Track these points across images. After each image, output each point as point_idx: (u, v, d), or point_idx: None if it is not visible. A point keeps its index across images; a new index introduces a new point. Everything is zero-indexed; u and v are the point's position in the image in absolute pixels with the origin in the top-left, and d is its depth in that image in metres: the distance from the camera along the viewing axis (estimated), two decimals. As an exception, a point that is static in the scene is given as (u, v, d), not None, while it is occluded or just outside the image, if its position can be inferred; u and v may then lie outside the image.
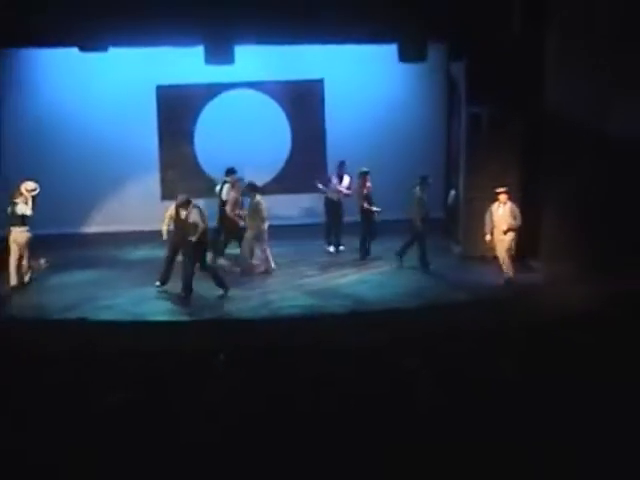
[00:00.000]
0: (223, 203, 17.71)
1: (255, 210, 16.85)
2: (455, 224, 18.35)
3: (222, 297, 15.62)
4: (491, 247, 16.32)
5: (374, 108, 20.11)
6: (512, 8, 16.64)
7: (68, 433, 7.99)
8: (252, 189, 17.10)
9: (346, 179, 18.20)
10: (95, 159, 19.34)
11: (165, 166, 20.35)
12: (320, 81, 20.45)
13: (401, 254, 17.34)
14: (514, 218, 15.94)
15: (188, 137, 20.42)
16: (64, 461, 7.46)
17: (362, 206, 17.72)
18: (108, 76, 19.44)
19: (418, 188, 17.06)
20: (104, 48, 16.44)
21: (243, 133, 19.93)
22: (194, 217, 15.38)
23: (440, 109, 20.21)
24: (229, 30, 15.91)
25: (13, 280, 16.00)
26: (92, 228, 19.82)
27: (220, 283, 15.72)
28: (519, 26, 16.71)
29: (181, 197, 15.79)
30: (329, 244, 18.54)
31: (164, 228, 15.75)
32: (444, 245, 18.42)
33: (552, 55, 16.56)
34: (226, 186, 17.73)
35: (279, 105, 20.50)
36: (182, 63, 18.71)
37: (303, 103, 20.53)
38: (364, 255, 17.95)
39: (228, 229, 17.63)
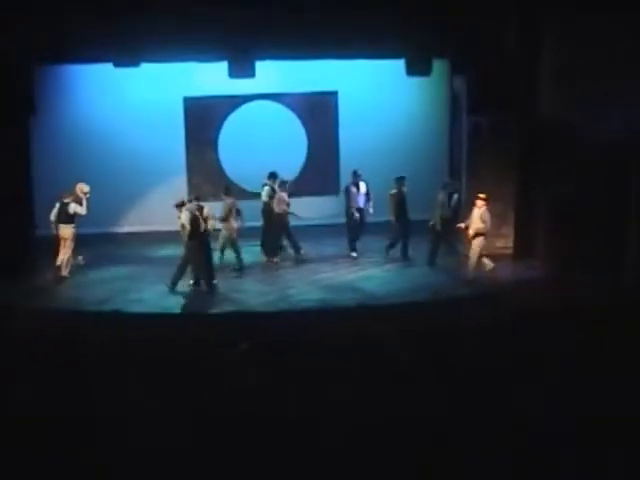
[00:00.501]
0: (265, 204, 18.38)
1: (229, 211, 17.36)
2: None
3: (205, 292, 16.18)
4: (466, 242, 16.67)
5: (383, 118, 20.53)
6: (508, 27, 17.11)
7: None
8: (226, 191, 17.61)
9: (362, 186, 18.32)
10: (127, 165, 19.90)
11: (191, 171, 20.89)
12: (334, 93, 20.96)
13: (431, 261, 17.74)
14: (482, 222, 16.14)
15: (212, 144, 20.97)
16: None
17: (399, 210, 17.99)
18: (139, 89, 20.03)
19: (441, 192, 17.57)
20: (136, 63, 17.09)
21: (263, 141, 20.49)
22: (183, 219, 15.97)
23: (443, 118, 20.64)
24: (251, 46, 16.63)
25: (64, 271, 17.03)
26: (124, 228, 20.30)
27: (207, 283, 16.29)
28: (515, 42, 17.13)
29: (177, 200, 16.34)
30: (353, 250, 18.62)
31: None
32: (448, 244, 18.31)
33: (546, 68, 16.99)
34: (266, 188, 18.33)
35: (296, 115, 21.04)
36: (207, 77, 19.46)
37: (318, 113, 21.05)
38: (405, 255, 18.22)
39: (276, 225, 18.23)
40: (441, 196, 17.56)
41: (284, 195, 18.12)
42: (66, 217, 16.91)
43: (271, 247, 18.43)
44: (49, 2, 15.99)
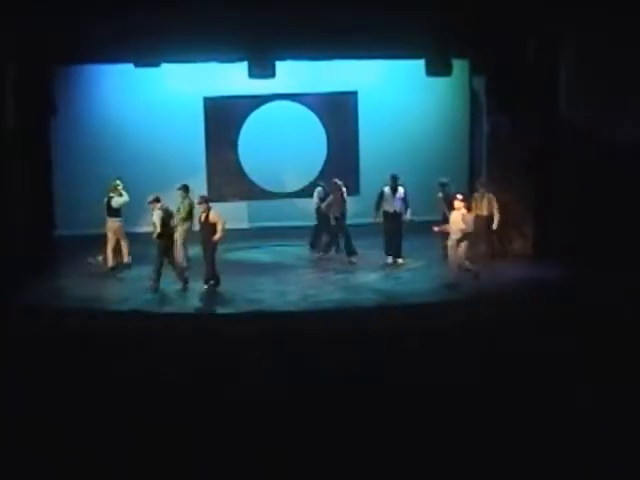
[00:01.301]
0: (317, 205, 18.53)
1: (187, 212, 17.33)
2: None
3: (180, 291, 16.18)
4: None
5: (403, 118, 20.58)
6: (529, 28, 17.10)
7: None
8: (184, 190, 17.37)
9: (400, 190, 17.75)
10: (147, 165, 19.88)
11: (211, 171, 20.93)
12: (354, 93, 21.00)
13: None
14: (465, 224, 15.81)
15: (233, 145, 21.02)
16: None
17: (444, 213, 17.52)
18: (160, 89, 20.20)
19: (440, 192, 17.54)
20: (157, 63, 17.28)
21: (283, 141, 20.56)
22: (154, 217, 16.12)
23: (463, 119, 20.71)
24: (271, 47, 16.66)
25: (110, 262, 17.51)
26: (144, 228, 19.41)
27: (181, 278, 16.30)
28: (535, 43, 17.21)
29: (150, 196, 16.41)
30: (388, 255, 18.08)
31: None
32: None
33: (566, 69, 17.02)
34: (318, 189, 18.60)
35: (316, 115, 21.09)
36: (227, 77, 19.47)
37: (338, 113, 21.09)
38: None
39: (333, 227, 18.22)
40: (440, 195, 17.46)
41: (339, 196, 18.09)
42: (112, 211, 17.46)
43: (349, 249, 18.32)
44: (70, 3, 15.96)
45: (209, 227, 16.05)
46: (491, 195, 17.44)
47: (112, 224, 17.46)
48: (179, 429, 8.14)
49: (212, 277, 16.29)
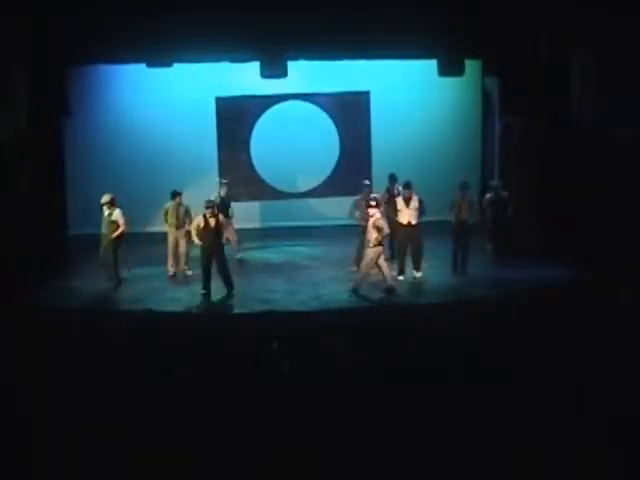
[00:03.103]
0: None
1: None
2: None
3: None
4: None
5: (416, 118, 20.60)
6: (541, 28, 17.19)
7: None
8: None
9: (414, 200, 16.76)
10: (159, 165, 20.09)
11: (223, 171, 20.76)
12: (366, 93, 20.98)
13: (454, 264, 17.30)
14: (378, 231, 15.22)
15: (245, 144, 21.11)
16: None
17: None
18: (172, 89, 20.26)
19: (458, 193, 17.33)
20: (169, 63, 17.43)
21: (295, 141, 20.62)
22: (116, 215, 16.21)
23: (475, 119, 20.71)
24: (283, 46, 16.78)
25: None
26: (156, 227, 19.85)
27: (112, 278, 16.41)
28: (547, 44, 17.25)
29: (105, 197, 16.24)
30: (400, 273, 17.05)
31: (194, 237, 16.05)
32: (479, 244, 18.29)
33: (579, 69, 17.04)
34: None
35: (328, 115, 21.11)
36: (239, 77, 19.57)
37: (350, 113, 21.09)
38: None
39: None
40: (457, 196, 17.09)
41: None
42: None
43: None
44: (82, 2, 16.12)
45: (215, 231, 15.97)
46: (473, 198, 17.46)
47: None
48: (194, 430, 8.17)
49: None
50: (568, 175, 17.47)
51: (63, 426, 8.32)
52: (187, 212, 17.44)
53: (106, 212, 16.38)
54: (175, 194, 17.47)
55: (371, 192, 17.24)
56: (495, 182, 18.08)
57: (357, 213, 17.18)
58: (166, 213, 17.60)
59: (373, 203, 15.47)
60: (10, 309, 13.60)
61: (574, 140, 17.30)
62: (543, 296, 14.75)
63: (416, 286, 16.52)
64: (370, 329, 12.28)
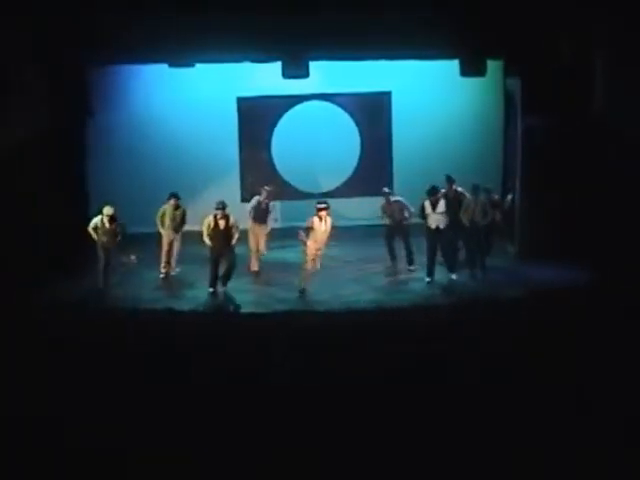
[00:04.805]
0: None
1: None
2: (511, 227, 18.57)
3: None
4: (312, 259, 16.25)
5: (437, 118, 20.53)
6: (563, 28, 16.99)
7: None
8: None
9: (441, 204, 16.94)
10: (180, 165, 20.11)
11: (244, 171, 21.03)
12: (388, 93, 20.94)
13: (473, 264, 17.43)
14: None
15: (266, 144, 21.12)
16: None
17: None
18: (194, 89, 20.29)
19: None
20: (191, 64, 17.54)
21: (316, 141, 20.65)
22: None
23: (497, 119, 20.60)
24: (305, 47, 16.75)
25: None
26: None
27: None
28: (569, 45, 17.10)
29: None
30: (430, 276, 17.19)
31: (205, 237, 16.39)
32: (501, 246, 18.72)
33: (601, 71, 16.96)
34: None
35: (349, 116, 21.06)
36: (261, 77, 19.51)
37: (372, 114, 21.05)
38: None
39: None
40: (469, 199, 17.18)
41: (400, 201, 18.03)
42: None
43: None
44: (104, 3, 16.18)
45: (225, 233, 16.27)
46: (485, 201, 17.36)
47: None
48: (206, 429, 8.18)
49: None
50: (591, 176, 17.34)
51: (83, 425, 8.29)
52: (184, 215, 17.58)
53: (107, 224, 16.48)
54: (171, 196, 17.52)
55: (391, 197, 17.66)
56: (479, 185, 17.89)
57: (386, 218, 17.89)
58: (163, 215, 17.62)
59: (323, 206, 16.02)
60: (31, 308, 13.62)
61: (596, 141, 17.18)
62: (556, 297, 14.61)
63: (437, 287, 16.63)
64: (390, 330, 12.16)
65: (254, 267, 18.00)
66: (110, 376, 9.56)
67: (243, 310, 15.51)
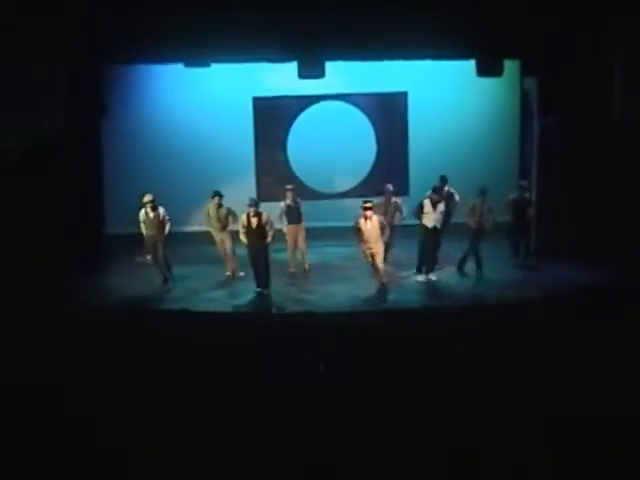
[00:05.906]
0: None
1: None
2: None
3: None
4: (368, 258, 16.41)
5: (453, 118, 20.38)
6: (581, 28, 16.95)
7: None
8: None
9: (441, 205, 17.07)
10: (196, 165, 20.08)
11: (260, 171, 20.95)
12: (404, 93, 20.76)
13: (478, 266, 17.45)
14: (382, 230, 16.15)
15: (282, 144, 21.01)
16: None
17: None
18: (209, 89, 20.24)
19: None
20: (207, 64, 17.54)
21: (332, 141, 20.46)
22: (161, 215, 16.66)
23: (514, 119, 20.42)
24: (320, 47, 16.68)
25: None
26: (193, 227, 20.04)
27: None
28: (587, 44, 17.02)
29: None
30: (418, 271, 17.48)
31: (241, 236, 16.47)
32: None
33: (619, 69, 16.88)
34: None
35: (365, 116, 20.87)
36: (277, 77, 19.51)
37: (388, 114, 20.85)
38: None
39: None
40: (477, 201, 17.23)
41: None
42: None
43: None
44: (120, 3, 16.20)
45: (257, 231, 16.26)
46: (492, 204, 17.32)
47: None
48: (228, 429, 8.25)
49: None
50: (608, 176, 17.32)
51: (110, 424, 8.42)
52: (229, 212, 17.50)
53: (151, 213, 16.53)
54: (214, 194, 17.54)
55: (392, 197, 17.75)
56: (524, 182, 18.02)
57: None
58: (207, 214, 17.66)
59: (369, 205, 16.18)
60: (48, 308, 13.61)
61: (615, 141, 17.11)
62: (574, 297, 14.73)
63: (438, 289, 16.75)
64: (406, 331, 12.20)
65: (291, 268, 18.16)
66: (157, 376, 9.75)
67: (259, 310, 15.57)
